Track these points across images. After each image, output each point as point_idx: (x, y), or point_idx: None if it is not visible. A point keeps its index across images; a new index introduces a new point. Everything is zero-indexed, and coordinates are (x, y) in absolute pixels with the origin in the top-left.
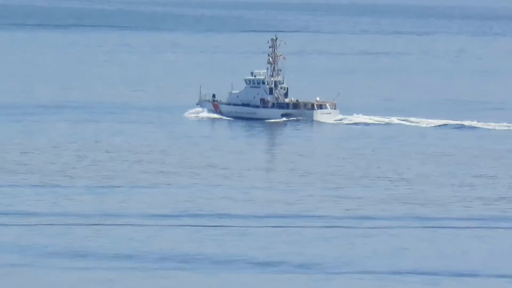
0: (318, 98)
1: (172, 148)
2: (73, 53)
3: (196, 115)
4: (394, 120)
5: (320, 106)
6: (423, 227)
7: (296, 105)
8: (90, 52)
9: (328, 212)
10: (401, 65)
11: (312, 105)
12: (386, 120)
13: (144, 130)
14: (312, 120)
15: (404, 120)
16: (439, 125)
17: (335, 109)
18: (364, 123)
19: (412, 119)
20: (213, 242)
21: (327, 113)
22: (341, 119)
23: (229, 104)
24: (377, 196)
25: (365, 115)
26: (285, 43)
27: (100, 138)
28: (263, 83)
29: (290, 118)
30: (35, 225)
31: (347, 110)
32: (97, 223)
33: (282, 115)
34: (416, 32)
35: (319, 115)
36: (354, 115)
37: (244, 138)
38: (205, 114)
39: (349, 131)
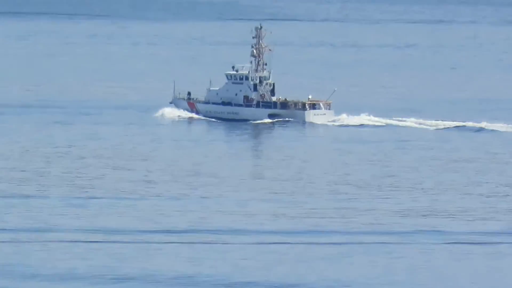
0: (310, 97)
1: (140, 154)
2: (40, 45)
3: (171, 115)
4: (398, 121)
5: (313, 106)
6: (447, 243)
7: (284, 105)
8: (60, 43)
9: (339, 227)
10: (410, 58)
11: (304, 104)
12: (389, 121)
13: (119, 133)
14: (304, 122)
15: (410, 122)
16: (452, 127)
17: (329, 109)
18: (364, 124)
19: (419, 120)
20: (209, 261)
21: (320, 114)
22: (336, 121)
23: (207, 102)
24: (393, 207)
25: (364, 115)
26: (271, 32)
27: (73, 142)
28: (247, 78)
29: (278, 119)
30: (3, 242)
31: (344, 111)
32: (73, 239)
33: (269, 116)
34: (431, 20)
35: (312, 116)
36: (352, 116)
37: (225, 143)
38: (177, 114)
39: (347, 134)
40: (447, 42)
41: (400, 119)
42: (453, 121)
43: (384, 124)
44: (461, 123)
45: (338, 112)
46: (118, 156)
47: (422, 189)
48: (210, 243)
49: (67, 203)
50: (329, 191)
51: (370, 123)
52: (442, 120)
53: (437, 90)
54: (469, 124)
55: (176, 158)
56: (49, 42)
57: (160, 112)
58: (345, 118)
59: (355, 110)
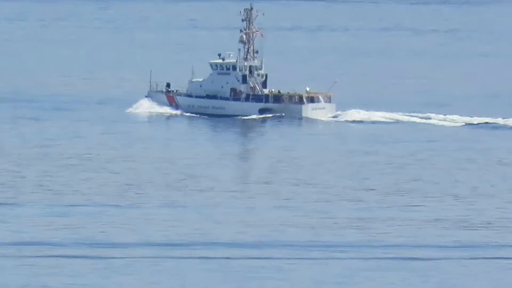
0: (308, 89)
1: (108, 158)
2: (5, 30)
3: (146, 110)
4: (408, 117)
5: (311, 99)
6: (485, 258)
7: (278, 98)
8: (30, 28)
9: (353, 239)
10: (430, 44)
11: (300, 97)
12: (397, 117)
13: (86, 132)
14: (301, 117)
15: (421, 118)
16: (482, 124)
17: (330, 102)
18: (368, 120)
19: (440, 116)
20: (212, 279)
21: (319, 108)
22: (338, 116)
23: (189, 95)
24: (421, 217)
25: (369, 110)
26: (263, 14)
27: (47, 142)
28: (234, 68)
29: (271, 115)
30: None
31: (346, 104)
32: (51, 254)
33: (260, 111)
34: (455, 1)
35: (310, 111)
36: (355, 110)
37: (209, 143)
38: (154, 108)
39: (350, 131)
40: (477, 26)
41: (418, 114)
42: (484, 117)
43: (394, 121)
44: (492, 120)
45: (340, 107)
46: (86, 160)
47: (455, 196)
48: (212, 257)
49: (43, 212)
50: (346, 198)
51: (380, 119)
52: (470, 116)
53: (465, 81)
54: (500, 121)
55: (154, 161)
56: (15, 26)
57: (134, 106)
58: (351, 113)
59: (356, 104)
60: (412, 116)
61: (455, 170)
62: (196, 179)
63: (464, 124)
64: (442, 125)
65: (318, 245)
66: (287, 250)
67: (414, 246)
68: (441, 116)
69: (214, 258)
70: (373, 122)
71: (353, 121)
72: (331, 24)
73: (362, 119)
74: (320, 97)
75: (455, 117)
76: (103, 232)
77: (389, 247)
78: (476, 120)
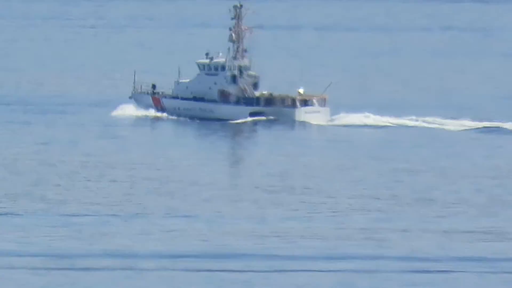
0: (301, 91)
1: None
2: None
3: (130, 114)
4: (408, 121)
5: (305, 102)
6: (507, 272)
7: (270, 100)
8: (15, 25)
9: (371, 251)
10: (441, 43)
11: (293, 100)
12: (396, 121)
13: (69, 137)
14: (294, 121)
15: (422, 122)
16: (473, 128)
17: (325, 105)
18: (366, 125)
19: (430, 119)
20: None
21: (314, 112)
22: (334, 120)
23: (175, 97)
24: (437, 228)
25: (367, 114)
26: (253, 12)
27: (29, 148)
28: (223, 68)
29: (262, 118)
30: None
31: (342, 108)
32: (40, 266)
33: (251, 114)
34: None
35: (303, 114)
36: (352, 114)
37: (196, 149)
38: (138, 111)
39: (347, 136)
40: (494, 24)
41: (426, 119)
42: (493, 121)
43: (394, 125)
44: (502, 124)
45: (335, 110)
46: (69, 165)
47: (471, 205)
48: (212, 270)
49: (41, 221)
50: (355, 208)
51: (374, 123)
52: (485, 121)
53: (481, 84)
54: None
55: (142, 167)
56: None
57: (118, 109)
58: (344, 117)
59: (352, 108)
60: (402, 118)
61: (475, 178)
62: (189, 187)
63: (482, 127)
64: (424, 128)
65: (324, 257)
66: (297, 262)
67: (431, 258)
68: (420, 119)
69: (212, 270)
70: (368, 126)
71: (350, 126)
72: (327, 22)
73: (358, 123)
74: (315, 100)
75: (467, 122)
76: (105, 242)
77: (405, 259)
78: (484, 124)
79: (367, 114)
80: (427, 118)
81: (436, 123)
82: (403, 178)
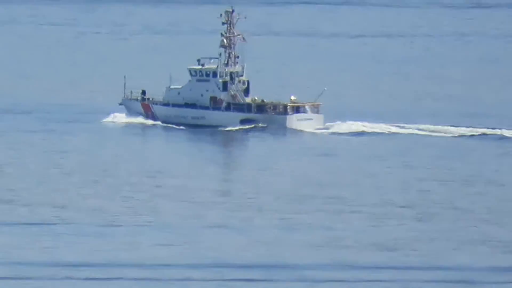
0: (293, 97)
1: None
2: None
3: (120, 121)
4: (405, 128)
5: (297, 109)
6: None
7: (261, 107)
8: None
9: (381, 261)
10: (422, 51)
11: (285, 107)
12: (393, 129)
13: (61, 144)
14: (285, 128)
15: (418, 129)
16: (472, 135)
17: (318, 113)
18: (362, 132)
19: (427, 126)
20: None
21: (306, 119)
22: (328, 128)
23: (166, 104)
24: (448, 236)
25: (361, 121)
26: (245, 17)
27: (10, 157)
28: (214, 75)
29: (253, 125)
30: None
31: (336, 115)
32: (35, 275)
33: (242, 122)
34: (462, 5)
35: (295, 122)
36: (347, 121)
37: (188, 156)
38: (128, 118)
39: (342, 145)
40: (487, 30)
41: (429, 126)
42: (495, 128)
43: (390, 133)
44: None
45: (329, 117)
46: (60, 172)
47: (481, 216)
48: (211, 280)
49: (25, 232)
50: (363, 217)
51: (369, 130)
52: (490, 128)
53: (476, 90)
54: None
55: (136, 175)
56: None
57: (108, 116)
58: (338, 124)
59: (347, 115)
60: (400, 126)
61: (473, 188)
62: (183, 196)
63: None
64: (422, 136)
65: (328, 267)
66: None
67: (452, 268)
68: (416, 126)
69: (211, 280)
70: (363, 134)
71: (343, 133)
72: (320, 28)
73: (353, 131)
74: (307, 107)
75: (436, 127)
76: (102, 251)
77: (410, 270)
78: (485, 131)
79: (364, 123)
80: (428, 126)
81: (440, 131)
82: (413, 186)
